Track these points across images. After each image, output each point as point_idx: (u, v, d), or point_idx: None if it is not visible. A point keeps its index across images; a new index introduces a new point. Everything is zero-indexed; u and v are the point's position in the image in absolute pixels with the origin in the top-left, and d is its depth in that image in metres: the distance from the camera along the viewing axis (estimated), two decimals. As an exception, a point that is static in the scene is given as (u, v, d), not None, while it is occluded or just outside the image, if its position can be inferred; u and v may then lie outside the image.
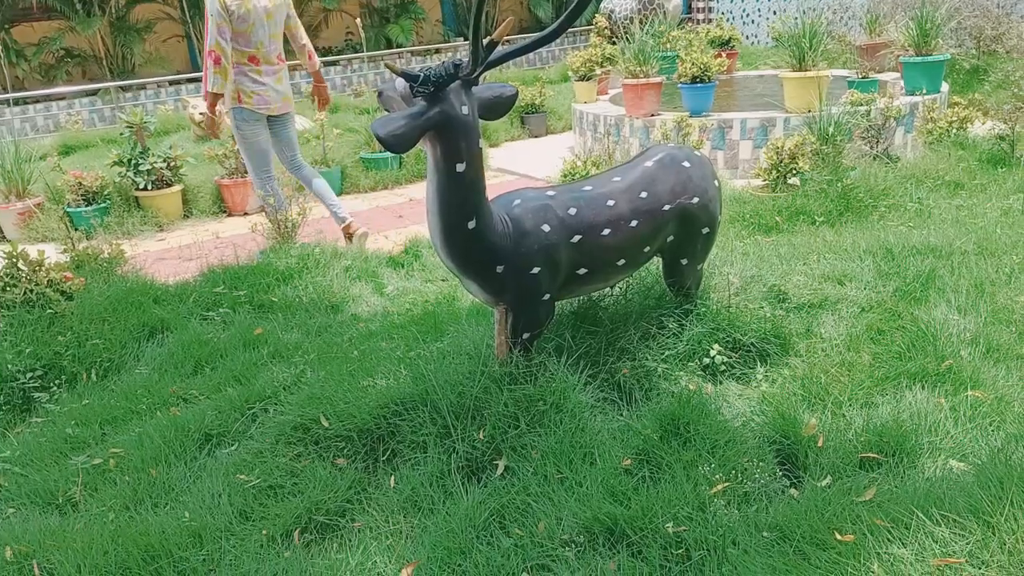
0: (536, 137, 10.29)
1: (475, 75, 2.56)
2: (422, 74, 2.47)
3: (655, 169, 3.18)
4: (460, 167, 2.59)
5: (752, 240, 4.97)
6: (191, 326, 4.13)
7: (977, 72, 9.20)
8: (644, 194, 3.09)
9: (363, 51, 13.16)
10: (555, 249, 2.87)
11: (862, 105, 6.24)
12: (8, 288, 3.95)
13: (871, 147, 6.24)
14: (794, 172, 5.66)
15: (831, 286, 3.95)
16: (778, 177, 5.71)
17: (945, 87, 7.72)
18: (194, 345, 3.87)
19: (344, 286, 4.45)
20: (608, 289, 3.53)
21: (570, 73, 9.66)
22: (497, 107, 2.75)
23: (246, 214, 7.14)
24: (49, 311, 3.94)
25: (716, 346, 3.29)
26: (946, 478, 2.36)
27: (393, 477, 2.67)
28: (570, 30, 16.93)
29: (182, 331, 4.06)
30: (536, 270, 2.84)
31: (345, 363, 3.31)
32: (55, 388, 3.67)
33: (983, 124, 6.85)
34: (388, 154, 8.10)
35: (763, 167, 5.92)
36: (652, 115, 7.53)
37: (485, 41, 2.46)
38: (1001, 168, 5.98)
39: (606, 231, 2.97)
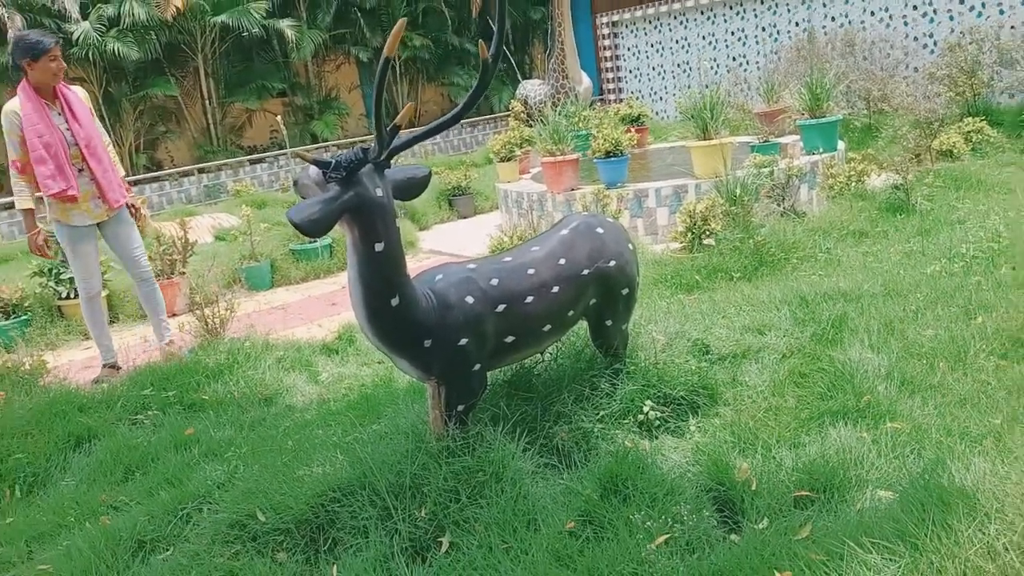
0: (465, 218, 10.49)
1: (383, 159, 2.65)
2: (333, 160, 2.55)
3: (571, 237, 3.31)
4: (379, 247, 2.66)
5: (675, 299, 5.14)
6: (119, 432, 3.99)
7: (870, 129, 9.89)
8: (563, 261, 3.21)
9: (287, 147, 13.31)
10: (481, 320, 2.92)
11: (765, 167, 6.62)
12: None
13: (778, 204, 6.59)
14: (708, 233, 5.92)
15: (752, 336, 4.11)
16: (694, 239, 5.97)
17: (842, 145, 8.27)
18: (123, 451, 3.73)
19: (277, 377, 4.39)
20: (539, 355, 3.60)
21: (492, 155, 9.98)
22: (411, 188, 2.85)
23: (175, 314, 7.00)
24: (-36, 430, 3.76)
25: (648, 402, 3.36)
26: (874, 508, 2.45)
27: (335, 566, 2.60)
28: (490, 116, 17.55)
29: (110, 438, 3.92)
30: (464, 341, 2.89)
31: (280, 455, 3.25)
32: (-28, 510, 3.47)
33: (879, 176, 7.33)
34: (318, 244, 8.13)
35: (679, 230, 6.17)
36: (572, 189, 7.81)
37: (388, 127, 2.57)
38: (899, 215, 6.38)
39: (529, 298, 3.06)
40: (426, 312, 2.83)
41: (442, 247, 8.69)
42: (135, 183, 14.22)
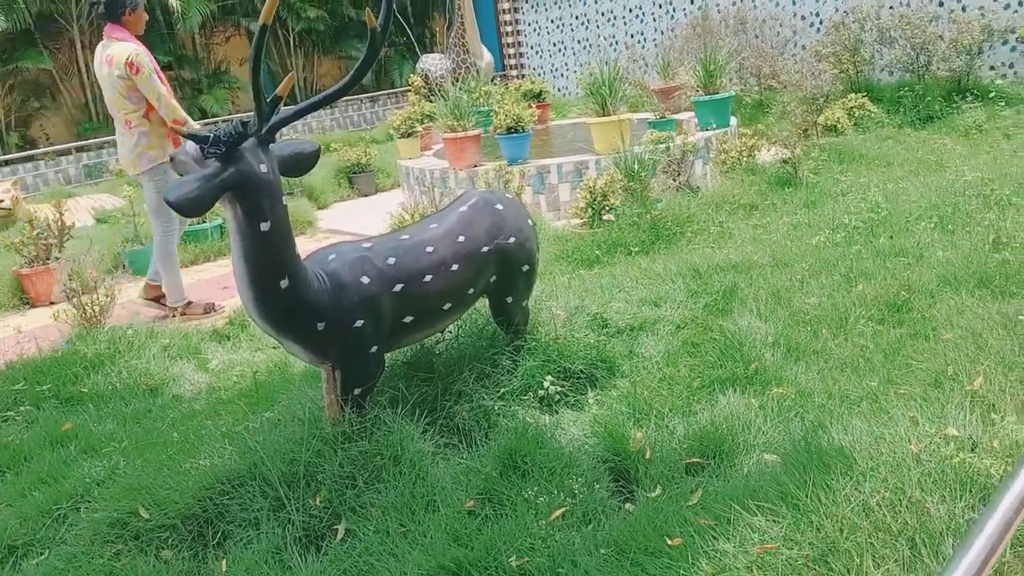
0: (366, 196, 10.26)
1: (264, 132, 2.52)
2: (211, 135, 2.41)
3: (470, 213, 3.27)
4: (264, 226, 2.53)
5: (576, 274, 5.18)
6: (-14, 431, 3.70)
7: (760, 106, 10.23)
8: (462, 238, 3.16)
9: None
10: (377, 300, 2.85)
11: (662, 143, 6.74)
12: None
13: (674, 179, 6.74)
14: (608, 208, 5.99)
15: (648, 308, 4.19)
16: (594, 214, 6.03)
17: (734, 121, 8.52)
18: (-10, 451, 3.46)
19: (163, 367, 4.17)
20: (439, 334, 3.55)
21: (393, 131, 9.77)
22: (300, 163, 2.73)
23: (51, 303, 6.56)
24: None
25: (549, 377, 3.38)
26: (760, 471, 2.54)
27: (225, 560, 2.49)
28: (390, 91, 17.19)
29: (-26, 438, 3.62)
30: (359, 323, 2.81)
31: (165, 448, 3.09)
32: None
33: (769, 151, 7.60)
34: (207, 224, 7.77)
35: (580, 206, 6.22)
36: (474, 166, 7.74)
37: (269, 99, 2.45)
38: (788, 188, 6.64)
39: (428, 277, 3.00)
40: (318, 294, 2.73)
41: (341, 226, 8.47)
42: (6, 163, 13.20)
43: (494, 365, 3.42)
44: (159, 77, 5.17)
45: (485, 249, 3.22)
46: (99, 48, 5.23)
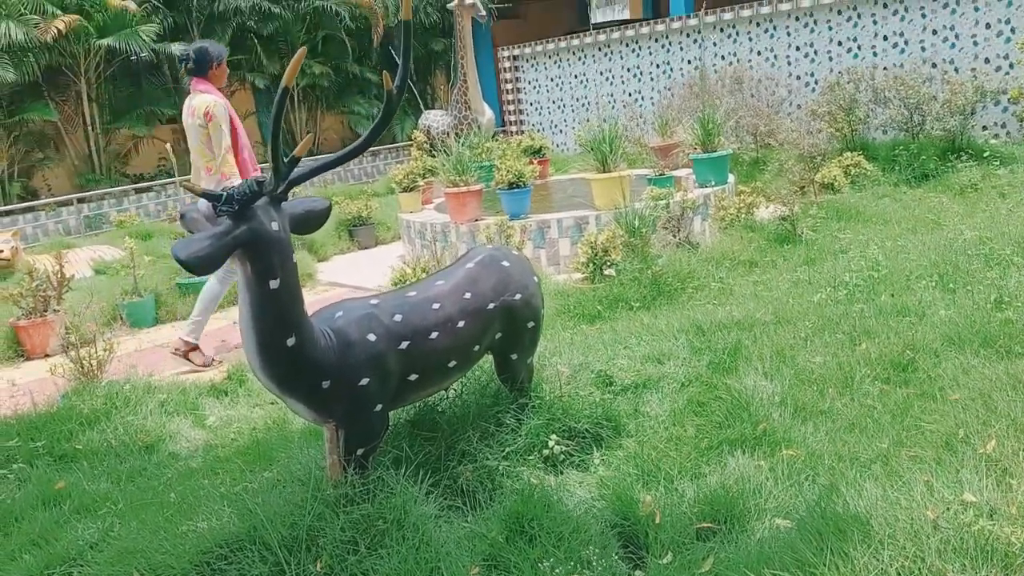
0: (365, 248, 10.29)
1: (280, 191, 2.53)
2: (225, 193, 2.41)
3: (477, 270, 3.26)
4: (274, 284, 2.52)
5: (578, 330, 5.17)
6: (-24, 489, 3.62)
7: (758, 163, 10.38)
8: (468, 294, 3.15)
9: (176, 176, 12.74)
10: (383, 357, 2.82)
11: (662, 199, 6.80)
12: None
13: (674, 235, 6.78)
14: (609, 263, 6.01)
15: (652, 366, 4.16)
16: (595, 269, 6.04)
17: (732, 178, 8.61)
18: (-20, 511, 3.38)
19: (160, 423, 4.10)
20: (443, 392, 3.51)
21: (394, 185, 9.85)
22: (310, 221, 2.73)
23: (47, 356, 6.50)
24: None
25: (554, 436, 3.33)
26: (773, 537, 2.48)
27: (222, 629, 2.41)
28: (392, 146, 17.42)
29: (-35, 496, 3.54)
30: (365, 381, 2.77)
31: (161, 509, 3.01)
32: None
33: (767, 208, 7.67)
34: (207, 278, 7.75)
35: (581, 261, 6.24)
36: (475, 220, 7.78)
37: (287, 158, 2.46)
38: (787, 245, 6.68)
39: (434, 334, 2.98)
40: (324, 352, 2.70)
41: (342, 279, 8.47)
42: (7, 213, 13.26)
43: (498, 424, 3.37)
44: (235, 129, 5.49)
45: (491, 306, 3.20)
46: (187, 100, 5.56)
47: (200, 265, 2.35)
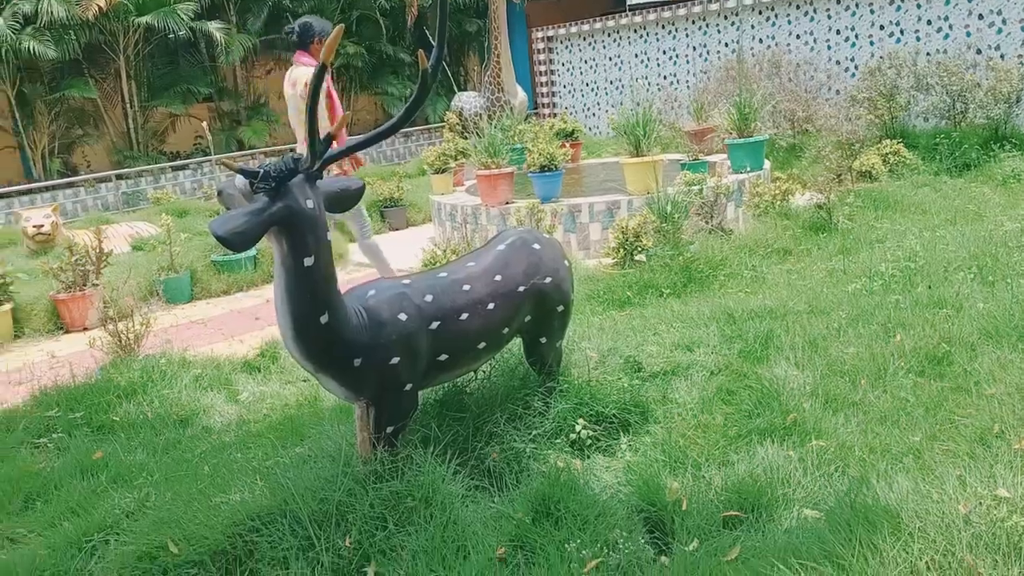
0: (397, 230, 10.34)
1: (316, 169, 2.55)
2: (262, 170, 2.44)
3: (508, 252, 3.27)
4: (308, 261, 2.55)
5: (608, 315, 5.15)
6: (19, 457, 3.73)
7: (794, 149, 10.21)
8: (499, 277, 3.16)
9: (211, 154, 12.92)
10: (414, 337, 2.84)
11: (695, 184, 6.73)
12: None
13: (707, 222, 6.71)
14: (640, 249, 5.97)
15: (681, 353, 4.14)
16: (626, 255, 6.01)
17: (767, 164, 8.49)
18: (22, 478, 3.49)
19: (194, 397, 4.19)
20: (472, 373, 3.53)
21: (426, 167, 9.87)
22: (344, 200, 2.75)
23: (86, 329, 6.65)
24: None
25: (581, 420, 3.34)
26: (801, 527, 2.47)
27: (253, 599, 2.47)
28: (424, 127, 17.43)
29: (8, 463, 3.65)
30: (396, 360, 2.80)
31: (195, 481, 3.08)
32: None
33: (803, 195, 7.55)
34: (241, 255, 7.87)
35: (612, 246, 6.21)
36: (506, 203, 7.78)
37: (322, 135, 2.48)
38: (822, 234, 6.58)
39: (464, 315, 2.99)
40: (357, 330, 2.73)
41: (373, 259, 8.52)
42: (48, 189, 13.54)
43: (526, 406, 3.38)
44: (331, 99, 5.75)
45: (521, 289, 3.21)
46: (288, 72, 5.89)
47: (238, 241, 2.38)
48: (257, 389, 4.42)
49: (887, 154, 8.69)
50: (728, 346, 4.20)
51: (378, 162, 16.21)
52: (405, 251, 8.37)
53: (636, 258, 6.05)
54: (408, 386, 2.89)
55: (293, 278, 2.54)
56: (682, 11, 14.21)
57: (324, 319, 2.61)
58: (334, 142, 2.52)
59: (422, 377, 2.96)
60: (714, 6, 13.63)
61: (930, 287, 4.80)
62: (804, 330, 4.23)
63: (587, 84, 16.59)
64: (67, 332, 6.78)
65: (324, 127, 5.64)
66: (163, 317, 6.35)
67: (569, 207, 7.50)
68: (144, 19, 13.75)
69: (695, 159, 7.74)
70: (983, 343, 3.83)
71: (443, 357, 2.97)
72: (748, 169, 7.86)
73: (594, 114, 16.57)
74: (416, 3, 16.38)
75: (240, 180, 2.52)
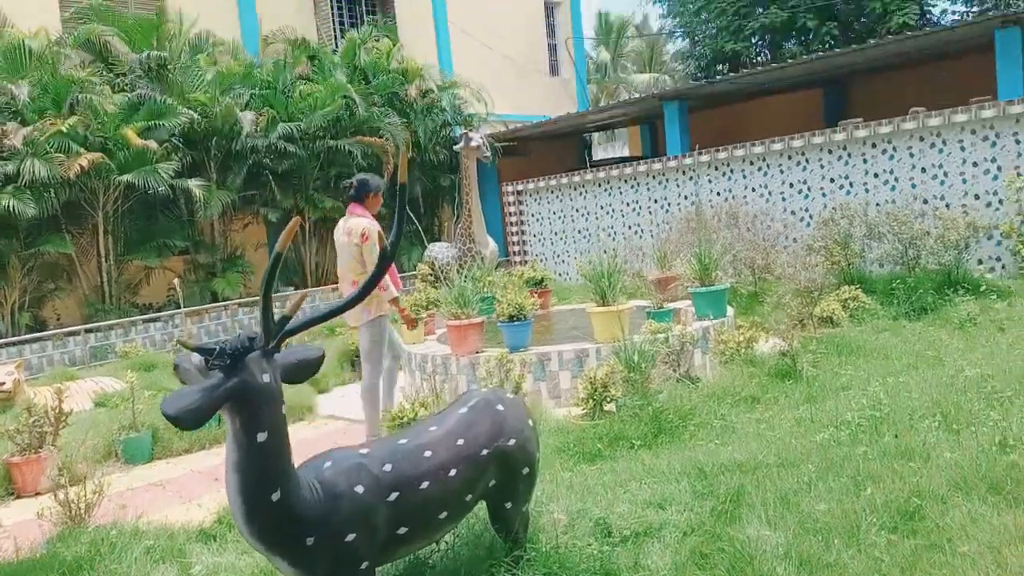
0: (367, 380, 10.25)
1: (272, 345, 2.57)
2: (217, 347, 2.45)
3: (470, 415, 3.25)
4: (262, 436, 2.51)
5: (578, 470, 5.07)
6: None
7: (756, 296, 10.49)
8: (461, 440, 3.12)
9: (182, 307, 12.95)
10: (371, 511, 2.76)
11: (661, 333, 6.84)
12: None
13: (674, 370, 6.77)
14: (609, 399, 5.96)
15: (653, 511, 4.04)
16: (595, 405, 6.00)
17: (731, 311, 8.69)
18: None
19: (144, 572, 3.96)
20: (434, 544, 3.40)
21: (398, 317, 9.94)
22: (302, 370, 2.76)
23: (38, 494, 6.37)
24: None
25: (549, 593, 3.20)
26: None
27: None
28: (399, 275, 17.71)
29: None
30: (351, 537, 2.70)
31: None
32: None
33: (766, 342, 7.68)
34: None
35: (581, 397, 6.20)
36: (476, 352, 7.81)
37: (278, 318, 2.52)
38: (788, 380, 6.64)
39: (425, 483, 2.93)
40: (311, 506, 2.65)
41: (341, 412, 8.42)
42: (15, 344, 13.36)
43: (491, 579, 3.25)
44: (381, 247, 6.22)
45: (485, 452, 3.17)
46: (341, 222, 6.52)
47: (190, 419, 2.35)
48: (212, 560, 4.19)
49: (846, 299, 8.95)
50: (700, 503, 4.12)
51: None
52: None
53: (606, 408, 6.04)
54: (364, 564, 2.77)
55: (245, 455, 2.49)
56: (642, 167, 15.00)
57: (276, 496, 2.54)
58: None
59: (380, 553, 2.85)
60: (672, 163, 14.42)
61: (896, 436, 4.81)
62: (775, 485, 4.18)
63: (556, 233, 17.17)
64: (18, 497, 6.47)
65: (359, 277, 6.26)
66: (120, 479, 6.12)
67: (538, 356, 7.54)
68: (125, 177, 14.16)
69: (660, 307, 7.92)
70: (953, 495, 3.80)
71: (402, 530, 2.88)
72: (711, 316, 8.03)
73: (564, 261, 17.04)
74: (392, 160, 17.14)
75: (196, 356, 2.52)
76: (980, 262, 10.59)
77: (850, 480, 4.14)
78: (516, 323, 7.68)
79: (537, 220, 17.61)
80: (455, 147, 11.96)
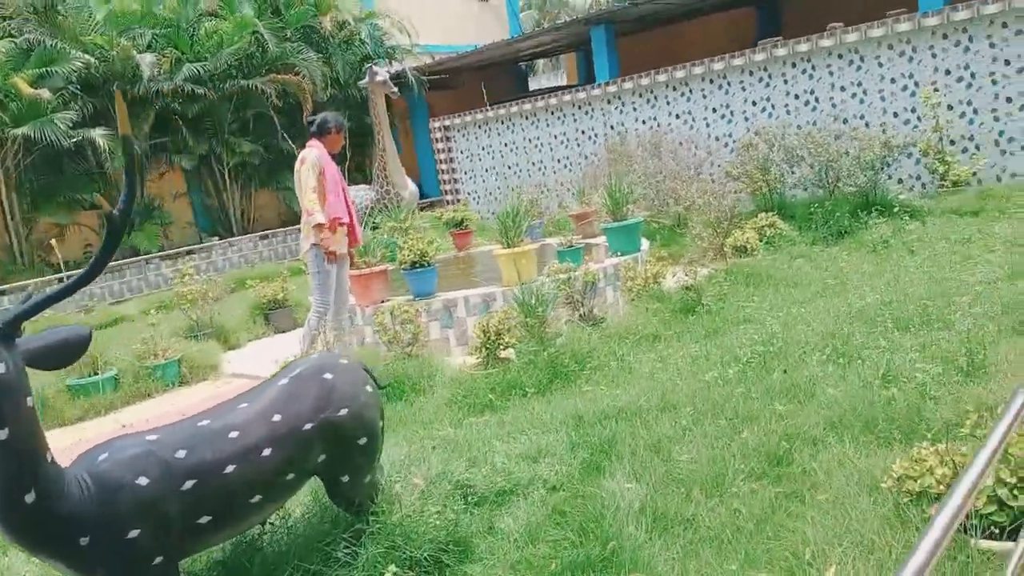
0: (283, 332, 9.89)
1: (6, 326, 2.22)
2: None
3: (291, 386, 2.96)
4: (2, 435, 2.19)
5: (464, 423, 4.85)
6: None
7: (679, 227, 10.27)
8: (277, 416, 2.84)
9: (63, 271, 12.30)
10: (159, 503, 2.48)
11: (563, 274, 6.60)
12: None
13: (576, 311, 6.55)
14: (503, 346, 5.73)
15: (526, 465, 3.87)
16: (488, 353, 5.76)
17: (645, 245, 8.47)
18: None
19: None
20: (266, 524, 3.16)
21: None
22: (54, 355, 2.40)
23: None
24: None
25: (392, 568, 2.99)
26: None
27: None
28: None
29: None
30: (135, 533, 2.42)
31: None
32: None
33: (675, 276, 7.49)
34: (99, 377, 7.32)
35: (475, 345, 5.96)
36: (382, 302, 7.50)
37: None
38: (691, 316, 6.48)
39: (230, 467, 2.65)
40: (79, 504, 2.35)
41: (248, 369, 8.06)
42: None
43: (326, 560, 3.02)
44: (322, 177, 6.26)
45: (308, 426, 2.89)
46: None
47: None
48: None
49: (763, 227, 8.78)
50: (573, 455, 3.94)
51: (269, 260, 15.80)
52: (286, 356, 7.95)
53: (502, 356, 5.81)
54: (158, 559, 2.50)
55: (-15, 455, 2.17)
56: (567, 97, 14.53)
57: (30, 498, 2.24)
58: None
59: (178, 546, 2.58)
60: (597, 91, 13.98)
61: (786, 371, 4.67)
62: (650, 431, 4.02)
63: (487, 169, 16.72)
64: None
65: (314, 210, 6.19)
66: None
67: (444, 302, 7.26)
68: (20, 130, 13.25)
69: (570, 245, 7.66)
70: (827, 436, 3.68)
71: (204, 520, 2.61)
72: (620, 253, 7.81)
73: (496, 199, 16.64)
74: (311, 99, 16.35)
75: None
76: (900, 181, 10.52)
77: (728, 423, 4.00)
78: (419, 270, 7.36)
79: (467, 157, 17.10)
80: (360, 83, 11.37)
